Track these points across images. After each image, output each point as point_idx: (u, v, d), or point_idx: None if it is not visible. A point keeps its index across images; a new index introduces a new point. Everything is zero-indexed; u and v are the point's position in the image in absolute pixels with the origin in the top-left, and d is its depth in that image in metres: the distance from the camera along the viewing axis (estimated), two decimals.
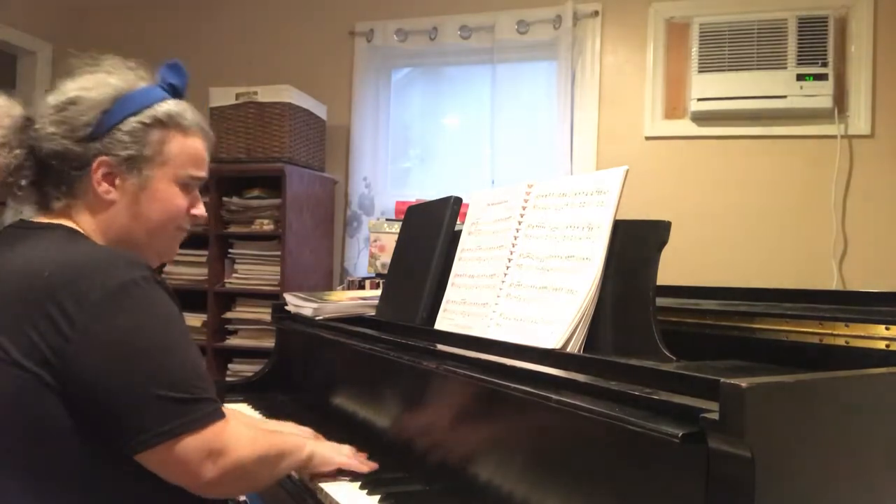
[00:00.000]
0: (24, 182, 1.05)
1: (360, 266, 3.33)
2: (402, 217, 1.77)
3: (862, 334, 1.04)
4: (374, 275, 2.95)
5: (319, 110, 3.29)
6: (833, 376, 0.76)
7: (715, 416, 0.67)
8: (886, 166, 2.74)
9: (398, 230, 1.76)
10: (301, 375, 1.86)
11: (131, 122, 1.06)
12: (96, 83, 1.08)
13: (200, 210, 1.18)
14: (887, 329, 1.02)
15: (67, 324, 0.89)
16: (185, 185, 1.12)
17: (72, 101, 1.05)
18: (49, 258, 0.95)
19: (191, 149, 1.13)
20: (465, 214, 1.49)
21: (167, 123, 1.10)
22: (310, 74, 3.40)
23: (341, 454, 1.18)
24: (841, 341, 1.06)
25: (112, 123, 1.05)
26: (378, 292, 1.80)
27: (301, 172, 3.12)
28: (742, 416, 0.64)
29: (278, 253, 3.02)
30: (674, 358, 0.97)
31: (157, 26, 3.74)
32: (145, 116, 1.07)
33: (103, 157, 1.04)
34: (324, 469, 1.15)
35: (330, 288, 3.34)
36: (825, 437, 0.72)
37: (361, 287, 2.99)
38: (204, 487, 0.95)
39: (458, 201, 1.55)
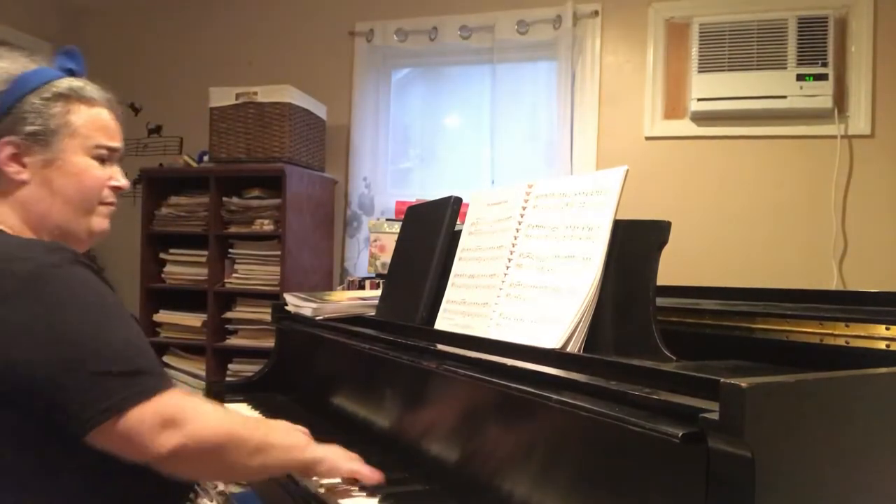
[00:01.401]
0: None
1: (360, 266, 3.33)
2: (402, 217, 1.77)
3: (862, 334, 1.04)
4: (374, 275, 2.95)
5: (319, 110, 3.29)
6: (833, 376, 0.76)
7: (715, 416, 0.67)
8: (886, 166, 2.74)
9: (398, 230, 1.76)
10: (301, 375, 1.86)
11: (30, 100, 1.03)
12: None
13: (121, 181, 1.13)
14: (887, 329, 1.02)
15: None
16: (99, 158, 1.09)
17: None
18: None
19: (97, 118, 1.09)
20: (465, 214, 1.49)
21: (69, 96, 1.06)
22: (310, 74, 3.40)
23: (350, 460, 1.12)
24: (841, 341, 1.07)
25: (10, 103, 1.02)
26: (378, 292, 1.80)
27: (301, 172, 3.12)
28: (742, 416, 0.64)
29: (278, 253, 3.02)
30: (674, 358, 0.97)
31: (157, 26, 3.74)
32: (44, 91, 1.05)
33: (7, 138, 1.02)
34: (330, 476, 1.10)
35: (330, 288, 3.34)
36: (825, 437, 0.72)
37: (361, 287, 2.99)
38: (165, 461, 0.90)
39: (458, 201, 1.55)
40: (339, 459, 1.09)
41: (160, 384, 0.91)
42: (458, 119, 3.46)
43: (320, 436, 1.45)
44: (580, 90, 3.10)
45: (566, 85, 3.08)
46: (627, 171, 1.11)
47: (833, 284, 2.75)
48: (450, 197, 1.55)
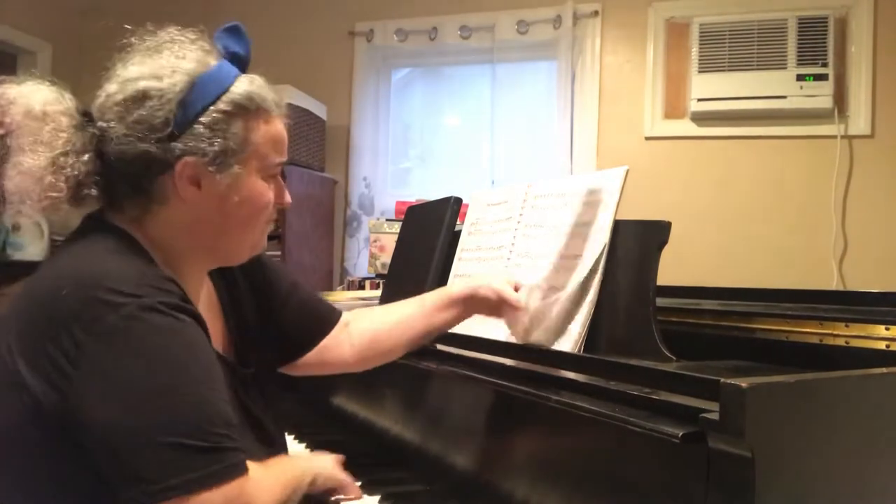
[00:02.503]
0: (94, 192, 0.90)
1: (360, 266, 3.33)
2: (402, 217, 1.77)
3: (862, 334, 1.04)
4: (374, 275, 2.95)
5: (319, 110, 3.29)
6: (833, 376, 0.76)
7: (715, 416, 0.67)
8: (886, 166, 2.74)
9: (398, 230, 1.76)
10: (301, 375, 1.86)
11: (212, 113, 0.90)
12: (166, 69, 0.93)
13: (287, 197, 1.02)
14: (887, 329, 1.02)
15: (75, 353, 0.78)
16: (268, 176, 0.97)
17: (144, 95, 0.90)
18: (74, 272, 0.84)
19: (275, 134, 0.98)
20: (465, 214, 1.49)
21: (249, 108, 0.94)
22: (310, 74, 3.40)
23: (337, 466, 1.08)
24: (841, 341, 1.07)
25: (191, 117, 0.89)
26: (378, 292, 1.80)
27: (301, 172, 3.12)
28: (742, 416, 0.64)
29: (278, 253, 3.02)
30: (674, 358, 0.97)
31: (156, 26, 3.73)
32: (225, 103, 0.92)
33: (188, 158, 0.88)
34: (329, 485, 1.05)
35: (330, 288, 3.33)
36: (825, 437, 0.72)
37: (361, 287, 2.99)
38: None
39: (458, 201, 1.55)
40: (329, 468, 1.06)
41: (238, 467, 0.81)
42: (458, 119, 3.46)
43: (320, 436, 1.46)
44: (580, 90, 3.10)
45: (566, 85, 3.08)
46: (628, 171, 1.11)
47: (833, 284, 2.75)
48: (450, 197, 1.55)
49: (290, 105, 2.99)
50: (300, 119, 3.13)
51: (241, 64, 1.01)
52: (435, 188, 3.24)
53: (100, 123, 0.90)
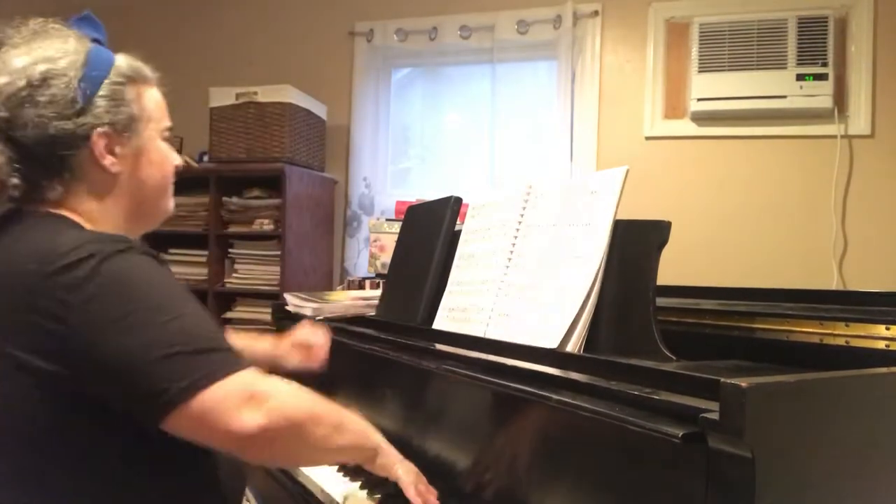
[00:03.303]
0: (14, 180, 0.96)
1: (360, 266, 3.33)
2: (402, 217, 1.77)
3: (862, 334, 1.04)
4: (374, 275, 2.95)
5: (319, 110, 3.29)
6: (833, 376, 0.76)
7: (715, 416, 0.67)
8: (886, 166, 2.74)
9: (398, 230, 1.76)
10: (301, 375, 1.86)
11: (107, 85, 0.99)
12: (58, 52, 0.97)
13: (179, 158, 1.13)
14: (887, 329, 1.02)
15: (63, 310, 0.84)
16: (165, 138, 1.09)
17: (46, 77, 0.95)
18: (33, 250, 0.89)
19: (159, 99, 1.09)
20: (464, 214, 1.49)
21: (135, 77, 1.04)
22: (310, 74, 3.40)
23: (408, 472, 1.05)
24: (841, 341, 1.07)
25: (94, 91, 0.98)
26: (378, 292, 1.80)
27: (301, 172, 3.12)
28: (742, 416, 0.64)
29: (278, 253, 3.02)
30: (674, 358, 0.97)
31: (157, 26, 3.74)
32: (116, 75, 1.01)
33: (100, 129, 0.97)
34: (381, 474, 1.05)
35: (330, 288, 3.33)
36: (825, 437, 0.72)
37: (361, 287, 2.99)
38: (250, 443, 0.85)
39: (458, 201, 1.55)
40: (395, 458, 1.05)
41: (238, 361, 0.88)
42: (458, 119, 3.46)
43: None
44: (580, 90, 3.10)
45: (566, 85, 3.08)
46: (628, 171, 1.11)
47: (833, 284, 2.75)
48: (450, 197, 1.55)
49: (290, 105, 3.01)
50: (300, 119, 3.13)
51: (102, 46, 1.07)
52: (435, 188, 3.24)
53: (2, 114, 0.94)
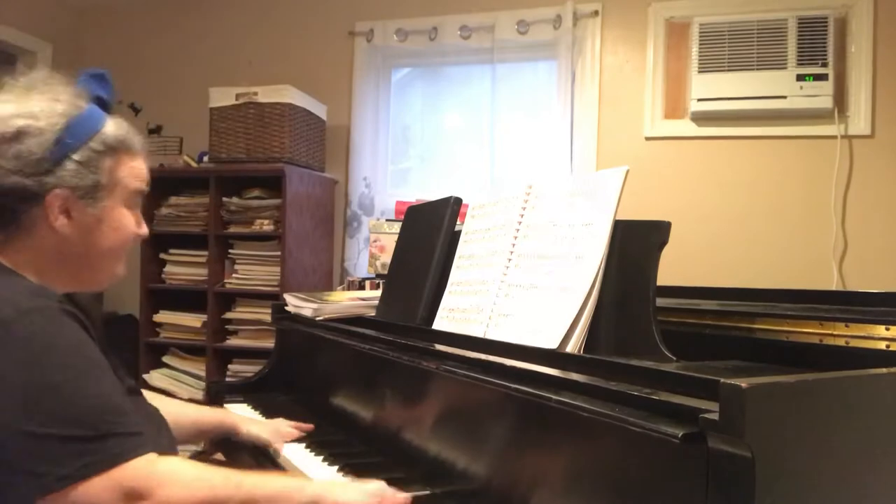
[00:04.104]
0: None
1: (360, 266, 3.33)
2: (402, 217, 1.78)
3: (862, 334, 1.04)
4: (374, 275, 2.95)
5: (319, 110, 3.29)
6: (833, 376, 0.76)
7: (715, 416, 0.67)
8: (886, 166, 2.74)
9: (398, 230, 1.76)
10: (301, 376, 1.86)
11: (85, 151, 0.99)
12: (43, 111, 0.98)
13: (144, 229, 1.13)
14: (887, 329, 1.02)
15: None
16: (131, 205, 1.08)
17: (21, 132, 0.95)
18: None
19: (138, 169, 1.08)
20: (464, 215, 1.49)
21: (117, 148, 1.04)
22: (310, 74, 3.40)
23: (364, 495, 1.02)
24: (841, 341, 1.06)
25: (66, 154, 0.98)
26: (378, 293, 1.80)
27: (301, 172, 3.12)
28: (742, 416, 0.64)
29: (278, 253, 3.02)
30: (674, 358, 0.97)
31: (157, 26, 3.74)
32: (96, 143, 1.01)
33: (58, 191, 0.97)
34: None
35: (330, 288, 3.33)
36: (825, 437, 0.72)
37: (361, 287, 2.99)
38: None
39: (458, 201, 1.55)
40: (339, 496, 1.02)
41: (129, 452, 0.85)
42: (458, 119, 3.46)
43: (319, 436, 1.46)
44: (580, 90, 3.10)
45: (566, 85, 3.08)
46: (628, 171, 1.11)
47: (833, 284, 2.75)
48: (450, 197, 1.55)
49: (290, 105, 3.01)
50: (300, 119, 3.13)
51: (105, 107, 1.07)
52: (435, 188, 3.24)
53: None
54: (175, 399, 1.58)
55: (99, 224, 1.02)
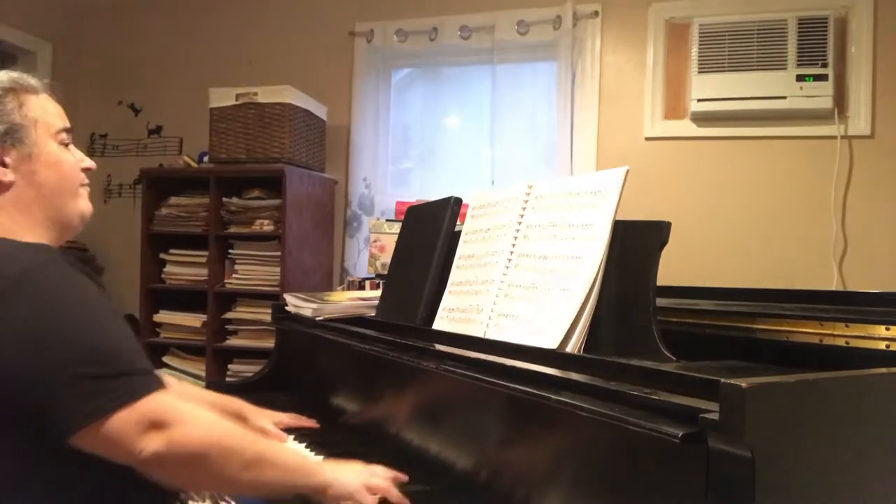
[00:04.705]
0: None
1: (360, 266, 3.33)
2: (402, 217, 1.78)
3: (862, 334, 1.04)
4: (374, 275, 2.95)
5: (319, 111, 3.29)
6: (833, 376, 0.76)
7: (715, 416, 0.67)
8: (886, 166, 2.74)
9: (398, 230, 1.76)
10: (301, 376, 1.86)
11: None
12: None
13: (88, 162, 1.15)
14: (887, 329, 1.02)
15: None
16: (63, 142, 1.10)
17: None
18: None
19: (47, 104, 1.10)
20: (464, 215, 1.49)
21: (15, 89, 1.07)
22: (310, 74, 3.40)
23: (363, 489, 1.05)
24: (841, 341, 1.07)
25: None
26: (378, 293, 1.80)
27: (301, 173, 3.12)
28: (742, 416, 0.64)
29: (278, 253, 3.02)
30: (674, 358, 0.97)
31: (157, 26, 3.74)
32: None
33: None
34: (346, 502, 1.04)
35: (330, 288, 3.33)
36: (825, 436, 0.72)
37: (361, 287, 2.99)
38: (147, 465, 0.89)
39: (458, 201, 1.55)
40: (353, 487, 1.04)
41: (148, 385, 0.91)
42: (458, 119, 3.46)
43: (320, 436, 1.46)
44: (580, 90, 3.10)
45: (566, 85, 3.08)
46: (628, 171, 1.11)
47: (833, 284, 2.75)
48: (450, 197, 1.55)
49: (290, 105, 3.01)
50: (300, 119, 3.13)
51: None
52: (435, 188, 3.24)
53: None
54: (187, 383, 1.58)
55: (34, 162, 1.05)
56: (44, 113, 1.08)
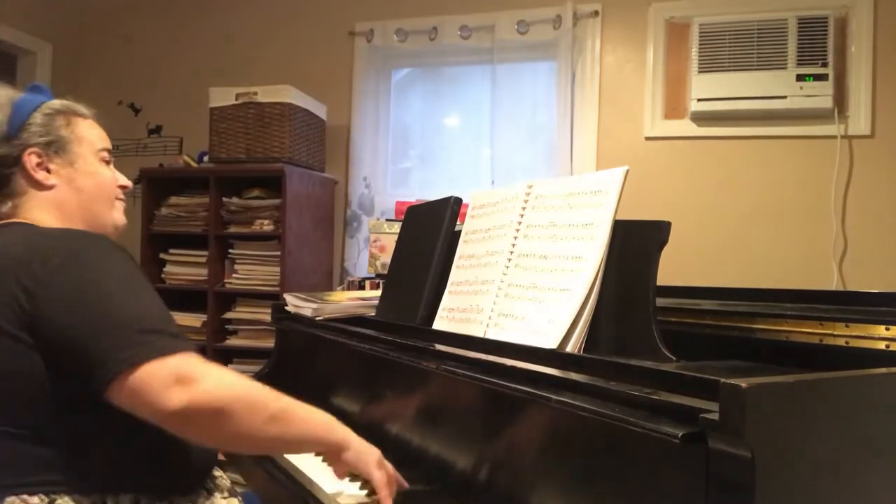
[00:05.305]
0: None
1: (360, 266, 3.33)
2: (402, 217, 1.77)
3: (862, 334, 1.04)
4: (374, 275, 2.95)
5: (319, 110, 3.29)
6: (833, 376, 0.76)
7: (715, 416, 0.67)
8: (886, 166, 2.74)
9: (398, 230, 1.76)
10: (301, 376, 1.86)
11: (37, 116, 1.17)
12: None
13: (125, 180, 1.28)
14: (887, 329, 1.02)
15: (34, 283, 0.97)
16: (104, 161, 1.24)
17: None
18: (14, 242, 1.04)
19: (93, 127, 1.24)
20: (464, 215, 1.49)
21: (66, 111, 1.21)
22: (310, 74, 3.40)
23: (382, 474, 1.07)
24: (841, 341, 1.07)
25: (19, 123, 1.16)
26: (378, 293, 1.80)
27: (301, 172, 3.12)
28: (742, 416, 0.64)
29: (278, 253, 3.02)
30: (674, 358, 0.97)
31: (157, 26, 3.74)
32: (46, 109, 1.19)
33: (31, 149, 1.15)
34: (355, 470, 1.07)
35: (330, 288, 3.34)
36: (825, 437, 0.72)
37: (361, 287, 2.99)
38: (174, 419, 0.92)
39: (458, 201, 1.55)
40: (370, 457, 1.06)
41: (179, 345, 0.95)
42: (458, 119, 3.46)
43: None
44: (580, 90, 3.10)
45: (566, 85, 3.08)
46: (627, 171, 1.11)
47: (833, 284, 2.75)
48: (450, 197, 1.55)
49: (290, 105, 3.01)
50: (300, 119, 3.13)
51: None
52: (435, 188, 3.24)
53: None
54: None
55: (74, 170, 1.19)
56: (88, 133, 1.23)
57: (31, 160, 1.15)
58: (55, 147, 1.18)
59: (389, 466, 1.08)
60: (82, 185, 1.19)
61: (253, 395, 0.98)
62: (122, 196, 1.27)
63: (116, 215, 1.25)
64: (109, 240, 1.07)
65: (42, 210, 1.16)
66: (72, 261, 0.99)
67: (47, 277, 0.97)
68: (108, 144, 1.26)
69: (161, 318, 0.99)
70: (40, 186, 1.16)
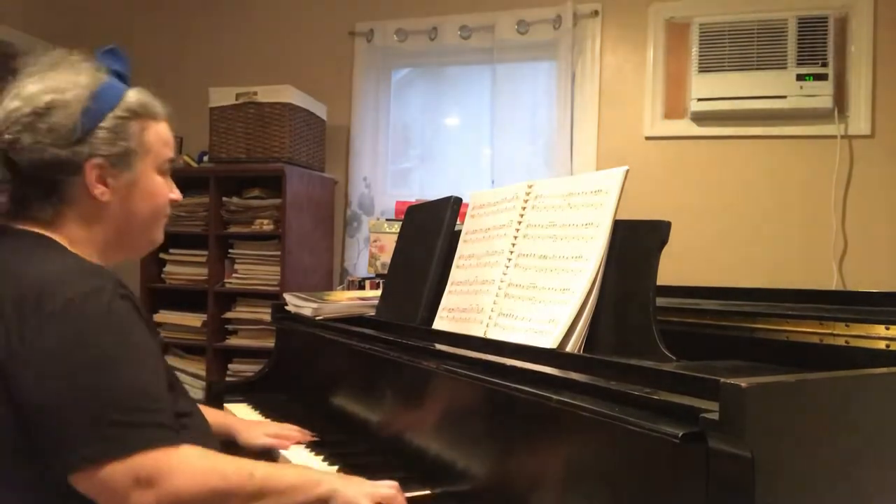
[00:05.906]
0: (7, 198, 1.03)
1: (360, 266, 3.33)
2: (402, 217, 1.78)
3: (862, 334, 1.04)
4: (374, 275, 2.95)
5: (319, 110, 3.29)
6: (833, 376, 0.76)
7: (715, 416, 0.67)
8: (886, 166, 2.74)
9: (398, 230, 1.76)
10: (301, 375, 1.86)
11: (111, 119, 1.04)
12: (67, 84, 1.03)
13: (177, 193, 1.17)
14: (887, 329, 1.02)
15: (17, 334, 0.88)
16: (163, 172, 1.13)
17: (51, 106, 1.00)
18: (14, 271, 0.94)
19: (164, 134, 1.13)
20: (464, 214, 1.49)
21: (142, 114, 1.08)
22: (310, 74, 3.40)
23: (370, 497, 1.02)
24: (841, 341, 1.07)
25: (94, 123, 1.03)
26: (378, 292, 1.80)
27: (301, 172, 3.12)
28: (742, 416, 0.64)
29: (278, 253, 3.02)
30: (674, 358, 0.97)
31: (157, 26, 3.74)
32: (121, 110, 1.06)
33: (94, 159, 1.02)
34: None
35: (330, 288, 3.33)
36: (825, 436, 0.72)
37: (361, 287, 2.99)
38: None
39: (458, 201, 1.55)
40: (359, 499, 1.01)
41: (150, 440, 0.89)
42: (458, 119, 3.46)
43: (320, 436, 1.46)
44: (580, 90, 3.10)
45: (566, 85, 3.08)
46: (627, 171, 1.11)
47: (833, 284, 2.75)
48: (450, 197, 1.55)
49: (290, 105, 3.01)
50: (300, 119, 3.13)
51: (124, 80, 1.12)
52: (435, 188, 3.24)
53: (6, 136, 1.00)
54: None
55: (134, 190, 1.07)
56: (158, 142, 1.11)
57: (92, 173, 1.02)
58: (121, 160, 1.05)
59: (385, 494, 1.04)
60: (136, 208, 1.08)
61: (228, 484, 0.92)
62: (169, 211, 1.16)
63: (158, 234, 1.15)
64: (117, 288, 0.96)
65: (81, 226, 1.04)
66: (64, 314, 0.89)
67: (31, 331, 0.88)
68: (173, 153, 1.15)
69: (148, 398, 0.91)
70: (92, 201, 1.04)
